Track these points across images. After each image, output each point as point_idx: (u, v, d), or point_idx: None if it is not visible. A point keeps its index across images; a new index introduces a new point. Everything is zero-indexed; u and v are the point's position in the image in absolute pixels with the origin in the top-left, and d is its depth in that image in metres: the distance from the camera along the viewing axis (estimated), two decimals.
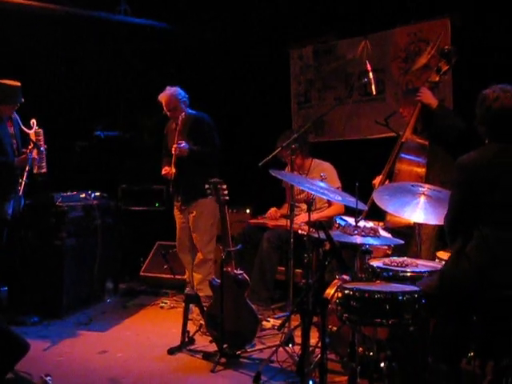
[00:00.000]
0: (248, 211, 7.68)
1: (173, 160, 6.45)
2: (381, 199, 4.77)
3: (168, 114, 6.64)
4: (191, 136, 6.45)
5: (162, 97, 6.58)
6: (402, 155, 5.68)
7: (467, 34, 6.43)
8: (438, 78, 5.70)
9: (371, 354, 4.12)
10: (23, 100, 6.42)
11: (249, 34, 8.20)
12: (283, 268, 6.59)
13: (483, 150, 3.94)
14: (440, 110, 5.57)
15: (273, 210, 6.93)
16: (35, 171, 6.46)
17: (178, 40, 8.64)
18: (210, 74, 8.53)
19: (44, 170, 6.52)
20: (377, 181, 5.84)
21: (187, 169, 6.46)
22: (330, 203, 6.55)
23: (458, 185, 3.91)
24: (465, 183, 3.87)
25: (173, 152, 6.40)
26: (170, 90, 6.59)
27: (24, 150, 6.51)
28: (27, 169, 6.36)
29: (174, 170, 6.46)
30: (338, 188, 6.26)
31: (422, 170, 5.55)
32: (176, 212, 6.79)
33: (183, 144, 6.36)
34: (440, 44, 6.61)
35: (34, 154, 6.40)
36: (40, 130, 6.53)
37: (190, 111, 6.64)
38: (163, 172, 6.62)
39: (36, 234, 6.50)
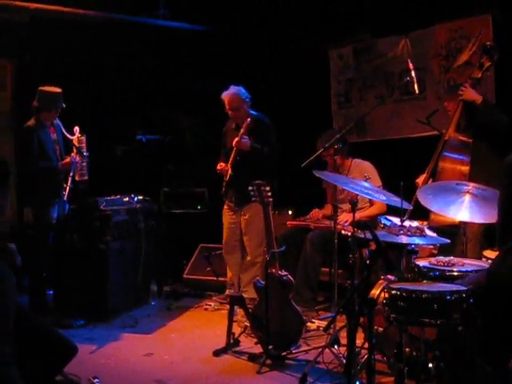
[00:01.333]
0: (290, 212, 7.68)
1: (230, 160, 6.50)
2: (425, 198, 4.74)
3: (230, 113, 6.66)
4: (252, 136, 6.47)
5: (225, 96, 6.60)
6: (445, 153, 5.64)
7: (508, 29, 6.36)
8: (480, 75, 5.66)
9: (419, 354, 4.09)
10: (64, 106, 6.51)
11: (288, 35, 8.20)
12: (326, 269, 6.58)
13: None
14: (484, 105, 5.52)
15: (315, 211, 6.91)
16: (77, 178, 6.54)
17: (218, 42, 8.66)
18: (250, 75, 8.51)
19: (86, 178, 6.60)
20: (420, 180, 5.81)
21: (244, 170, 6.45)
22: (371, 202, 6.51)
23: (506, 186, 3.86)
24: None
25: (234, 145, 6.42)
26: (233, 89, 6.61)
27: (67, 157, 6.61)
28: (71, 174, 6.45)
29: (230, 171, 6.49)
30: (378, 187, 6.22)
31: (465, 168, 5.51)
32: (226, 212, 6.81)
33: (246, 139, 6.38)
34: (481, 40, 6.54)
35: (77, 159, 6.49)
36: (83, 137, 6.60)
37: (251, 112, 6.66)
38: (218, 167, 6.63)
39: (81, 238, 6.55)
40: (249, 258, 6.63)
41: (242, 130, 6.39)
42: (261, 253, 6.58)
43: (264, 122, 6.66)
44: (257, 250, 6.61)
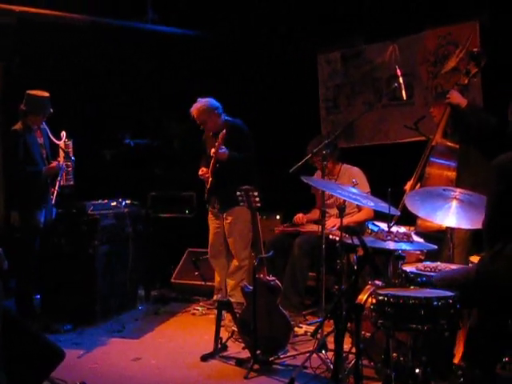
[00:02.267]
0: (278, 217, 7.69)
1: (211, 168, 6.53)
2: (412, 204, 4.77)
3: (201, 125, 6.68)
4: (228, 143, 6.46)
5: (193, 110, 6.61)
6: (432, 159, 5.67)
7: (496, 36, 6.40)
8: (467, 81, 5.69)
9: (406, 359, 4.11)
10: (52, 111, 6.49)
11: (277, 39, 8.22)
12: (314, 274, 6.59)
13: None
14: (469, 108, 5.55)
15: (299, 215, 6.92)
16: (63, 183, 6.52)
17: (206, 46, 8.67)
18: (238, 80, 8.55)
19: (71, 183, 6.59)
20: (408, 186, 5.83)
21: (224, 177, 6.49)
22: (359, 208, 6.53)
23: (497, 186, 3.88)
24: (501, 183, 3.83)
25: (212, 154, 6.43)
26: (199, 103, 6.61)
27: (53, 161, 6.59)
28: (59, 178, 6.43)
29: (211, 178, 6.53)
30: (367, 193, 6.23)
31: (452, 174, 5.54)
32: (210, 217, 6.82)
33: (223, 149, 6.38)
34: (469, 47, 6.58)
35: (64, 163, 6.48)
36: (69, 142, 6.59)
37: (225, 118, 6.66)
38: (200, 172, 6.65)
39: (68, 242, 6.54)
40: (235, 263, 6.63)
41: (218, 141, 6.38)
42: (246, 256, 6.60)
43: (239, 128, 6.65)
44: (242, 253, 6.62)
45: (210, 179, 6.56)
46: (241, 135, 6.60)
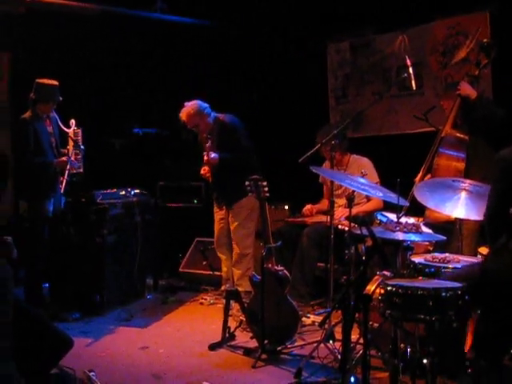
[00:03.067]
0: (286, 207, 7.67)
1: (208, 169, 6.59)
2: (421, 195, 4.75)
3: (193, 129, 6.72)
4: (220, 143, 6.51)
5: (182, 115, 6.60)
6: (441, 150, 5.65)
7: (506, 26, 6.37)
8: (477, 72, 5.67)
9: (413, 350, 4.11)
10: (61, 99, 6.50)
11: (286, 29, 8.19)
12: (322, 264, 6.59)
13: None
14: (479, 100, 5.53)
15: (308, 206, 6.93)
16: (72, 171, 6.54)
17: (215, 36, 8.65)
18: (247, 69, 8.53)
19: (81, 171, 6.60)
20: (418, 177, 5.82)
21: (223, 176, 6.56)
22: (368, 198, 6.52)
23: (500, 178, 3.87)
24: (505, 177, 3.82)
25: (204, 161, 6.48)
26: (188, 108, 6.58)
27: (63, 150, 6.60)
28: (67, 167, 6.44)
29: (211, 179, 6.61)
30: (376, 183, 6.23)
31: (461, 165, 5.52)
32: (215, 209, 6.84)
33: (213, 155, 6.42)
34: (479, 37, 6.55)
35: (73, 155, 6.49)
36: (79, 130, 6.61)
37: (214, 116, 6.65)
38: (202, 172, 6.69)
39: (77, 232, 6.57)
40: (237, 250, 6.63)
41: (206, 148, 6.43)
42: (249, 245, 6.62)
43: (230, 125, 6.62)
44: (245, 241, 6.63)
45: (211, 179, 6.64)
46: (231, 133, 6.57)
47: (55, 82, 6.48)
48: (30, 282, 6.52)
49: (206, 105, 6.65)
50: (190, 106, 6.59)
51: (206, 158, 6.44)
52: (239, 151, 6.48)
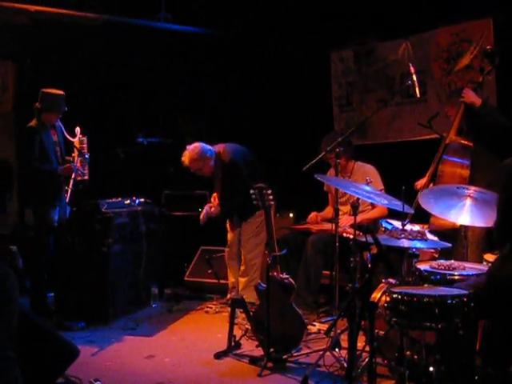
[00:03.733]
0: (291, 215, 7.68)
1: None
2: (426, 202, 4.75)
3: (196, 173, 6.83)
4: (224, 184, 6.71)
5: (185, 160, 6.67)
6: (446, 157, 5.66)
7: (510, 33, 6.37)
8: (481, 79, 5.68)
9: (420, 358, 4.10)
10: (66, 109, 6.52)
11: (290, 37, 8.21)
12: (327, 272, 6.58)
13: None
14: (483, 108, 5.54)
15: (313, 214, 6.92)
16: (78, 178, 6.55)
17: (219, 45, 8.68)
18: (251, 78, 8.55)
19: (86, 178, 6.61)
20: (419, 183, 5.82)
21: (230, 207, 6.75)
22: (373, 205, 6.51)
23: (505, 188, 3.87)
24: (510, 186, 3.83)
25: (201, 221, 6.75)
26: (190, 153, 6.64)
27: (68, 158, 6.62)
28: (73, 176, 6.46)
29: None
30: (381, 190, 6.21)
31: (465, 172, 5.52)
32: (229, 221, 6.93)
33: (211, 210, 6.67)
34: (483, 44, 6.55)
35: (78, 163, 6.50)
36: (84, 138, 6.62)
37: (214, 153, 6.71)
38: (212, 200, 6.92)
39: (82, 241, 6.56)
40: (245, 259, 6.70)
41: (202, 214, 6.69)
42: (257, 255, 6.64)
43: (230, 165, 6.67)
44: (252, 252, 6.68)
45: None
46: (233, 172, 6.65)
47: (61, 92, 6.51)
48: (35, 291, 6.52)
49: (208, 147, 6.70)
50: (192, 150, 6.63)
51: (202, 219, 6.72)
52: (242, 185, 6.46)
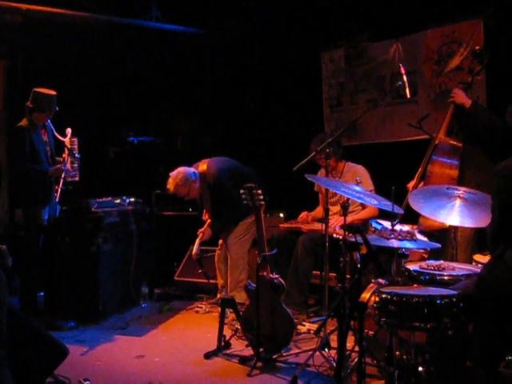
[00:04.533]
0: (282, 215, 7.68)
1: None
2: (416, 202, 4.76)
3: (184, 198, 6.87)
4: (213, 201, 6.75)
5: (170, 188, 6.70)
6: (434, 157, 5.66)
7: (500, 34, 6.39)
8: (470, 79, 5.69)
9: (409, 358, 4.11)
10: (57, 109, 6.51)
11: (280, 37, 8.21)
12: (317, 272, 6.60)
13: None
14: (474, 108, 5.55)
15: (304, 213, 6.93)
16: (68, 179, 6.55)
17: (210, 45, 8.67)
18: (241, 77, 8.55)
19: (76, 179, 6.61)
20: (411, 184, 5.83)
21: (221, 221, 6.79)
22: (363, 206, 6.53)
23: (498, 193, 3.89)
24: (505, 191, 3.84)
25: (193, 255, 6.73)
26: (174, 179, 6.66)
27: (58, 159, 6.61)
28: (63, 176, 6.44)
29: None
30: (371, 191, 6.23)
31: (454, 172, 5.52)
32: None
33: (204, 237, 6.69)
34: (473, 45, 6.57)
35: (68, 163, 6.50)
36: (75, 139, 6.61)
37: (198, 175, 6.75)
38: (204, 217, 6.94)
39: (72, 240, 6.56)
40: (231, 260, 6.73)
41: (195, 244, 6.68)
42: (243, 255, 6.68)
43: (216, 185, 6.70)
44: (237, 251, 6.71)
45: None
46: (219, 190, 6.69)
47: (53, 92, 6.50)
48: (24, 290, 6.52)
49: (192, 170, 6.73)
50: (176, 176, 6.65)
51: (194, 253, 6.66)
52: (230, 201, 6.51)
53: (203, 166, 6.78)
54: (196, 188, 6.71)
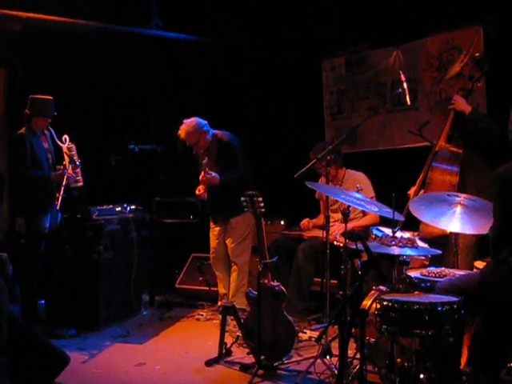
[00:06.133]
0: (282, 223, 7.68)
1: (204, 188, 6.61)
2: (416, 209, 4.76)
3: (192, 147, 6.77)
4: (219, 161, 6.59)
5: (181, 133, 6.67)
6: (435, 164, 5.67)
7: (500, 41, 6.40)
8: (470, 86, 5.69)
9: (410, 365, 4.11)
10: (56, 113, 6.52)
11: (281, 45, 8.22)
12: (319, 279, 6.60)
13: None
14: (473, 115, 5.54)
15: (305, 220, 6.95)
16: (71, 185, 6.55)
17: (211, 52, 8.69)
18: (243, 85, 8.56)
19: (80, 184, 6.61)
20: (411, 191, 5.83)
21: (219, 195, 6.64)
22: (364, 213, 6.53)
23: (499, 197, 3.89)
24: (506, 195, 3.85)
25: (200, 179, 6.50)
26: (187, 125, 6.65)
27: (59, 167, 6.62)
28: (64, 183, 6.44)
29: (206, 196, 6.63)
30: (372, 198, 6.23)
31: (454, 179, 5.52)
32: (211, 226, 6.88)
33: (214, 174, 6.47)
34: (473, 52, 6.57)
35: (70, 169, 6.49)
36: (72, 145, 6.61)
37: (212, 133, 6.70)
38: (197, 192, 6.73)
39: (73, 248, 6.54)
40: (233, 267, 6.70)
41: (204, 165, 6.47)
42: (246, 261, 6.67)
43: (228, 143, 6.68)
44: (240, 257, 6.69)
45: (205, 196, 6.67)
46: (230, 151, 6.65)
47: (49, 97, 6.52)
48: (25, 298, 6.51)
49: (205, 122, 6.70)
50: (189, 123, 6.63)
51: (202, 175, 6.46)
52: (237, 169, 6.53)
53: (220, 131, 6.78)
54: (206, 140, 6.66)
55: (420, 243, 4.63)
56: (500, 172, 3.90)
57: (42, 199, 6.48)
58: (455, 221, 4.56)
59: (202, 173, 6.46)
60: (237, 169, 6.57)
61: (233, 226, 6.67)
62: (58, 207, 6.48)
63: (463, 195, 4.67)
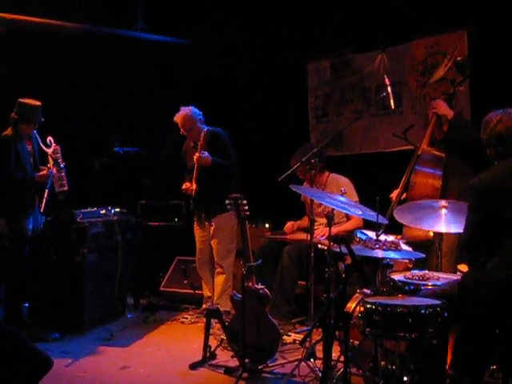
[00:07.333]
0: (267, 226, 7.68)
1: (194, 175, 6.53)
2: (402, 215, 4.79)
3: (186, 133, 6.72)
4: (211, 152, 6.50)
5: (178, 118, 6.66)
6: (417, 167, 5.68)
7: (484, 45, 6.43)
8: (452, 90, 5.71)
9: (394, 367, 4.12)
10: (43, 119, 6.49)
11: (266, 48, 8.23)
12: (303, 282, 6.60)
13: (493, 170, 3.99)
14: (456, 120, 5.55)
15: (289, 224, 6.95)
16: (57, 189, 6.52)
17: (195, 55, 8.69)
18: (227, 88, 8.56)
19: (65, 188, 6.58)
20: (394, 194, 5.84)
21: (208, 184, 6.55)
22: (348, 217, 6.54)
23: (473, 208, 3.94)
24: (480, 206, 3.89)
25: (195, 160, 6.46)
26: (184, 111, 6.67)
27: (42, 168, 6.58)
28: (48, 186, 6.41)
29: (194, 186, 6.53)
30: (355, 202, 6.25)
31: (437, 182, 5.54)
32: (196, 227, 6.85)
33: (206, 154, 6.43)
34: (457, 56, 6.61)
35: (55, 170, 6.46)
36: (57, 147, 6.57)
37: (206, 128, 6.69)
38: (183, 187, 6.68)
39: (57, 251, 6.52)
40: (218, 269, 6.67)
41: (199, 147, 6.46)
42: (230, 263, 6.64)
43: (219, 135, 6.71)
44: (226, 259, 6.67)
45: (195, 187, 6.58)
46: (222, 144, 6.66)
47: (38, 103, 6.44)
48: (9, 301, 6.46)
49: (200, 112, 6.74)
50: (187, 110, 6.68)
51: (196, 155, 6.44)
52: (229, 159, 6.58)
53: (211, 128, 6.78)
54: (199, 127, 6.65)
55: (404, 246, 4.65)
56: (474, 183, 3.94)
57: (24, 201, 6.43)
58: (440, 221, 4.60)
59: (196, 155, 6.45)
60: (228, 159, 6.59)
61: (217, 226, 6.64)
62: (41, 210, 6.45)
63: (442, 202, 4.71)
